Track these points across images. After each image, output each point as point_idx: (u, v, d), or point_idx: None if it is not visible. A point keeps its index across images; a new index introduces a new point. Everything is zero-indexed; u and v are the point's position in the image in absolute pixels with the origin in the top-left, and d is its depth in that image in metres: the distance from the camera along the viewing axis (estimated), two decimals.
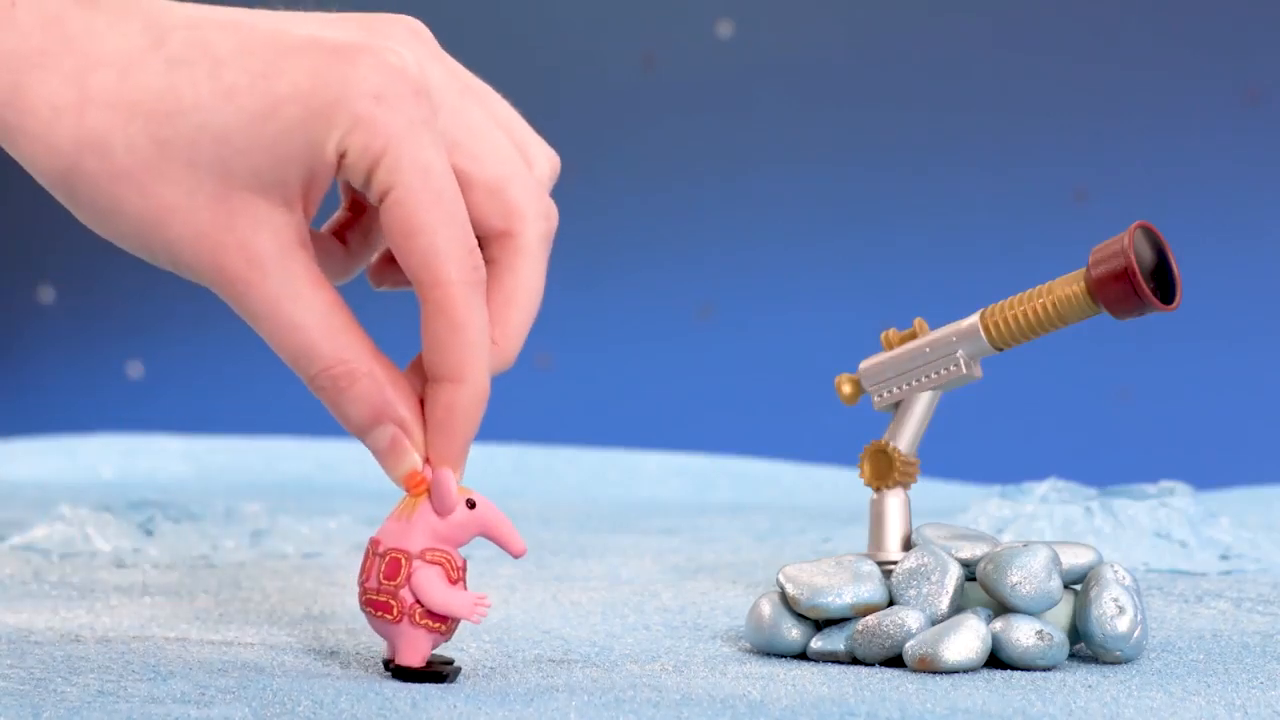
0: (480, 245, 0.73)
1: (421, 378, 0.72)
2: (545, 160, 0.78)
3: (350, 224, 0.78)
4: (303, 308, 0.68)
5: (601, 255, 3.25)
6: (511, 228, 0.74)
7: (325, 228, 0.78)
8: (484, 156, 0.73)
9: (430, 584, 0.72)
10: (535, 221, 0.74)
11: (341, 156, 0.67)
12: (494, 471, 2.11)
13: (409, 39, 0.71)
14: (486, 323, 0.70)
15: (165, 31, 0.67)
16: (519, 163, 0.75)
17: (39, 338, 3.36)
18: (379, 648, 0.81)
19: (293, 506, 1.59)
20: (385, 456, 0.71)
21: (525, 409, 3.02)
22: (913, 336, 0.84)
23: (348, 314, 0.70)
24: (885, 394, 0.84)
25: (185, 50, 0.66)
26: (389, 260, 0.78)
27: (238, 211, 0.67)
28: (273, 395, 3.35)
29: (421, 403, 0.72)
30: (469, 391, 0.70)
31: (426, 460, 0.73)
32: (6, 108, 0.66)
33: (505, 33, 3.24)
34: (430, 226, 0.67)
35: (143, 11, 0.67)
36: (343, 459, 2.27)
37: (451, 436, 0.71)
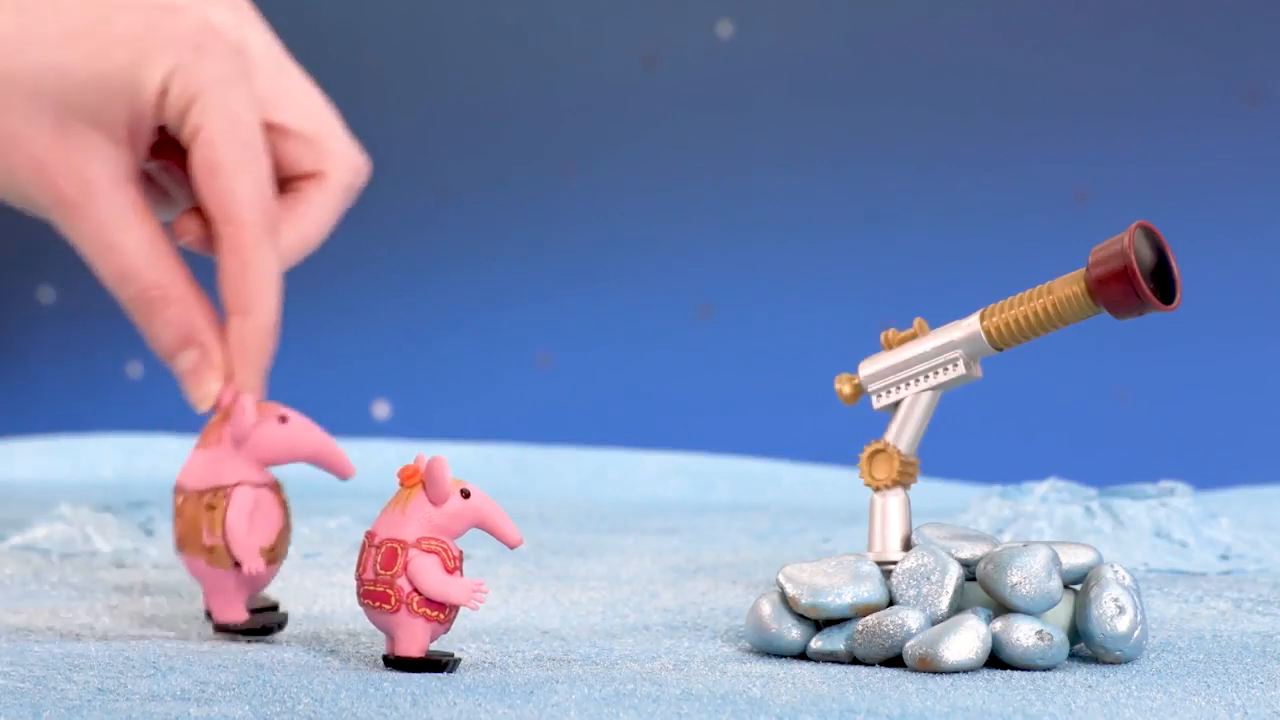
0: (292, 183, 0.81)
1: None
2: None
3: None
4: (129, 235, 0.75)
5: (601, 255, 3.25)
6: (321, 169, 0.81)
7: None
8: (301, 112, 0.81)
9: (427, 571, 0.72)
10: (342, 169, 0.82)
11: (162, 97, 0.73)
12: (494, 471, 2.11)
13: (233, 9, 0.78)
14: (276, 264, 0.77)
15: None
16: (333, 120, 0.82)
17: (39, 338, 3.36)
18: (379, 646, 0.81)
19: (293, 507, 1.58)
20: (188, 377, 0.79)
21: (525, 409, 3.02)
22: (913, 336, 0.84)
23: (169, 244, 0.77)
24: (885, 394, 0.84)
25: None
26: (193, 213, 0.81)
27: (74, 142, 0.73)
28: (273, 395, 3.34)
29: None
30: (255, 323, 0.77)
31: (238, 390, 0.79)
32: None
33: (505, 32, 3.24)
34: (230, 168, 0.75)
35: None
36: None
37: (245, 363, 0.78)
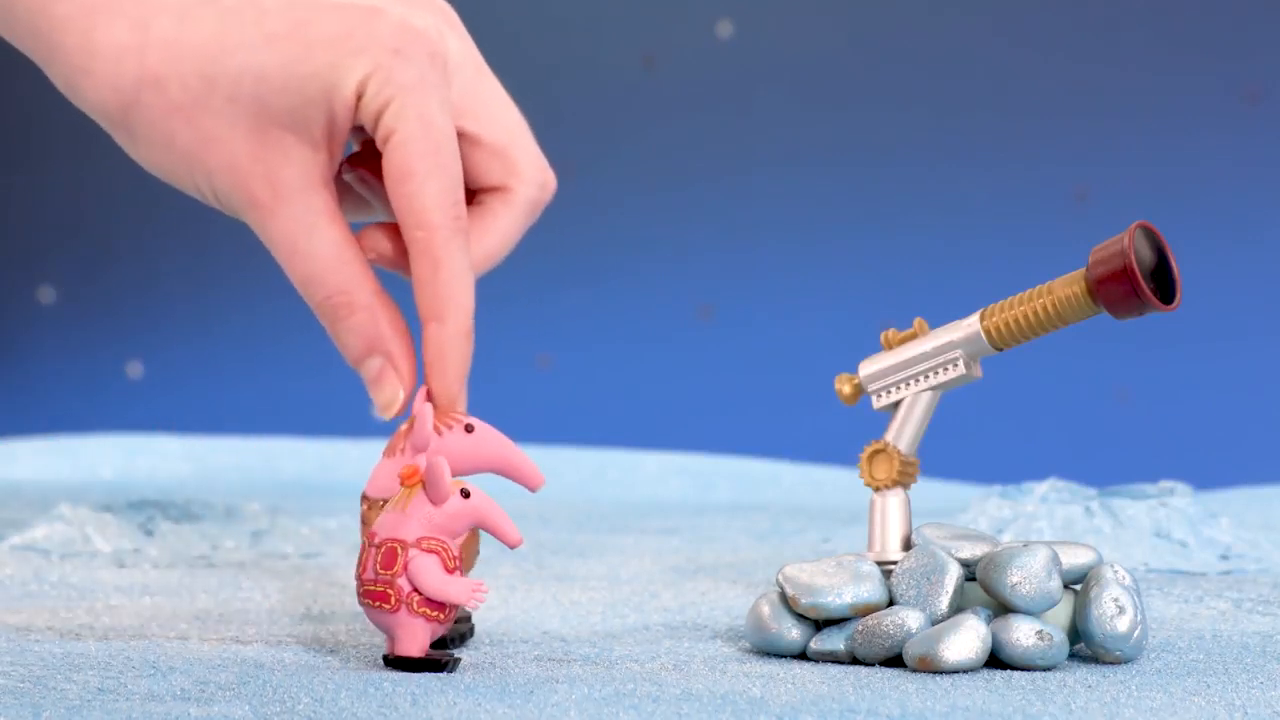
0: (478, 195, 0.81)
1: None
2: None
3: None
4: (317, 239, 0.75)
5: (602, 255, 3.25)
6: (508, 184, 0.81)
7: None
8: (493, 123, 0.80)
9: (427, 571, 0.72)
10: (529, 184, 0.81)
11: (358, 99, 0.73)
12: None
13: (436, 13, 0.78)
14: (468, 268, 0.76)
15: None
16: (525, 133, 0.82)
17: (39, 338, 3.36)
18: (379, 646, 0.81)
19: (293, 506, 1.59)
20: (372, 385, 0.78)
21: (525, 409, 3.02)
22: (913, 336, 0.84)
23: (357, 251, 0.76)
24: (885, 394, 0.84)
25: (237, 1, 0.74)
26: (381, 228, 0.82)
27: (270, 145, 0.73)
28: (273, 395, 3.34)
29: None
30: (450, 330, 0.76)
31: (429, 399, 0.77)
32: (79, 53, 0.73)
33: (505, 33, 3.24)
34: (422, 172, 0.74)
35: None
36: (343, 459, 2.27)
37: (442, 372, 0.77)
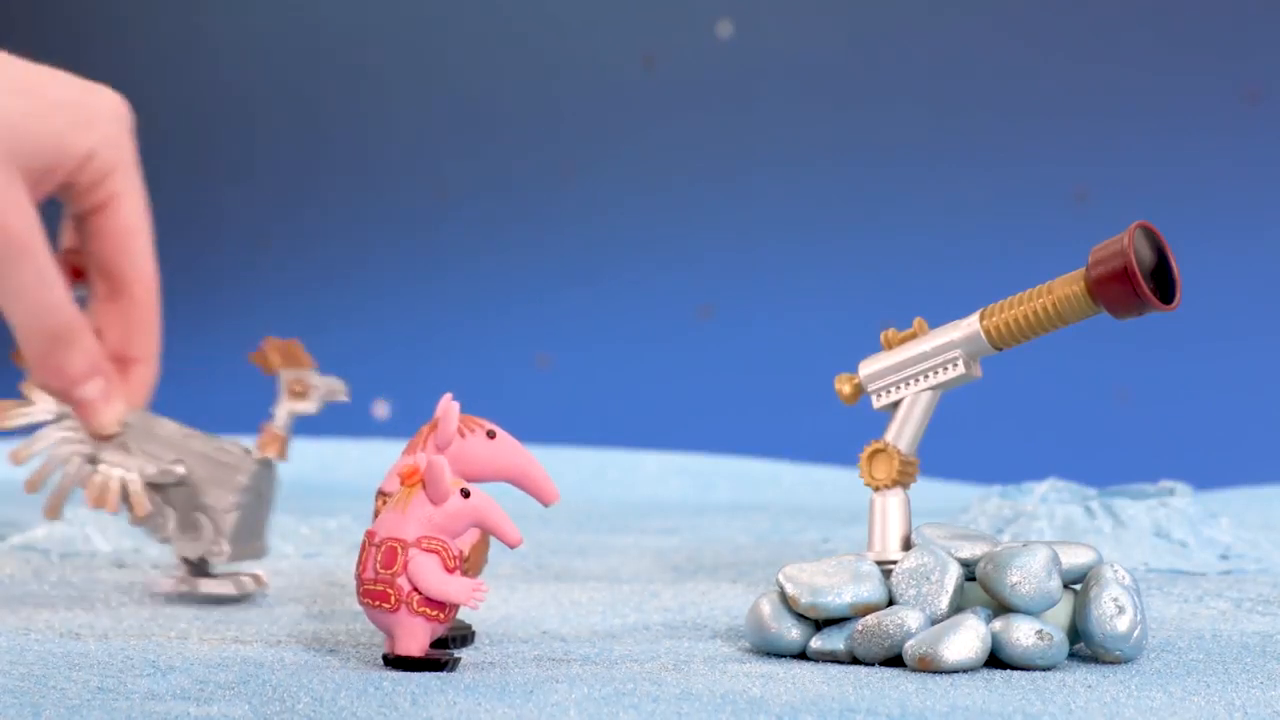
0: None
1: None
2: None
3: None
4: (56, 273, 0.81)
5: (602, 255, 3.25)
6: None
7: None
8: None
9: (427, 570, 0.73)
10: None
11: (87, 161, 0.83)
12: None
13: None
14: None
15: None
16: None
17: None
18: (379, 646, 0.81)
19: (293, 506, 1.59)
20: (100, 402, 0.89)
21: (525, 409, 3.02)
22: (913, 336, 0.84)
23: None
24: (885, 394, 0.84)
25: None
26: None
27: (16, 185, 0.80)
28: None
29: None
30: (151, 371, 0.91)
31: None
32: None
33: (506, 33, 3.24)
34: (145, 230, 0.88)
35: None
36: (343, 459, 2.27)
37: (135, 408, 0.91)
